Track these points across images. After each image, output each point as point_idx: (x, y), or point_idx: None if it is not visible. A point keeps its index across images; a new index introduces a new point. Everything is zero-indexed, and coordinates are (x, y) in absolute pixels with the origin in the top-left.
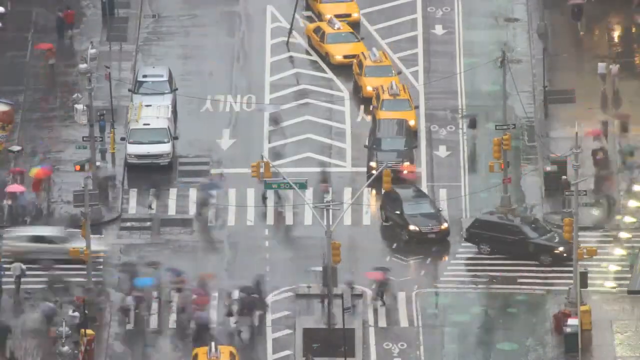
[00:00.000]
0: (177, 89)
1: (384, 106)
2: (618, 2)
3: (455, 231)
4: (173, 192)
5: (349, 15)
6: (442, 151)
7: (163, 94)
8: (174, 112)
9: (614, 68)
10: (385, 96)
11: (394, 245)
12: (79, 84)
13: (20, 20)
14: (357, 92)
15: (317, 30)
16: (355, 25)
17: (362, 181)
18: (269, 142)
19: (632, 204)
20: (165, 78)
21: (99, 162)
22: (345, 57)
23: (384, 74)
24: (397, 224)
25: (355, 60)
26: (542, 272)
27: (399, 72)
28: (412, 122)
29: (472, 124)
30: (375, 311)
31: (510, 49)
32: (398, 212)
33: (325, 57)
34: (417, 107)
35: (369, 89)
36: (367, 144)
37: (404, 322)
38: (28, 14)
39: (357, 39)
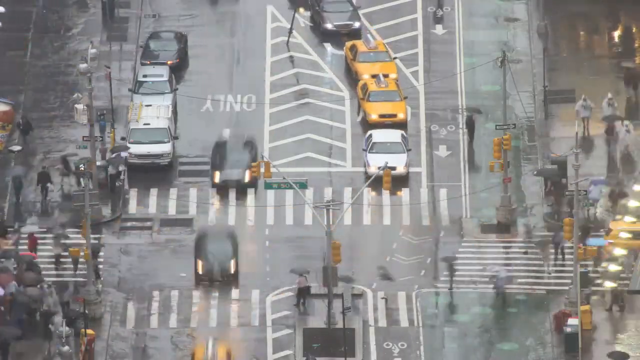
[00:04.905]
0: (177, 89)
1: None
2: (618, 2)
3: (455, 231)
4: (173, 192)
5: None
6: (442, 151)
7: (163, 93)
8: (174, 112)
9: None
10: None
11: (394, 245)
12: (79, 84)
13: (20, 20)
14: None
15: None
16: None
17: (362, 181)
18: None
19: (633, 203)
20: (166, 78)
21: (99, 163)
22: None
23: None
24: None
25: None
26: (542, 272)
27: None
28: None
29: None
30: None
31: (510, 49)
32: None
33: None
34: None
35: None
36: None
37: (404, 322)
38: (28, 14)
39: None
